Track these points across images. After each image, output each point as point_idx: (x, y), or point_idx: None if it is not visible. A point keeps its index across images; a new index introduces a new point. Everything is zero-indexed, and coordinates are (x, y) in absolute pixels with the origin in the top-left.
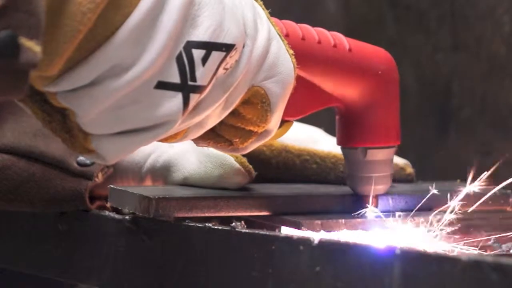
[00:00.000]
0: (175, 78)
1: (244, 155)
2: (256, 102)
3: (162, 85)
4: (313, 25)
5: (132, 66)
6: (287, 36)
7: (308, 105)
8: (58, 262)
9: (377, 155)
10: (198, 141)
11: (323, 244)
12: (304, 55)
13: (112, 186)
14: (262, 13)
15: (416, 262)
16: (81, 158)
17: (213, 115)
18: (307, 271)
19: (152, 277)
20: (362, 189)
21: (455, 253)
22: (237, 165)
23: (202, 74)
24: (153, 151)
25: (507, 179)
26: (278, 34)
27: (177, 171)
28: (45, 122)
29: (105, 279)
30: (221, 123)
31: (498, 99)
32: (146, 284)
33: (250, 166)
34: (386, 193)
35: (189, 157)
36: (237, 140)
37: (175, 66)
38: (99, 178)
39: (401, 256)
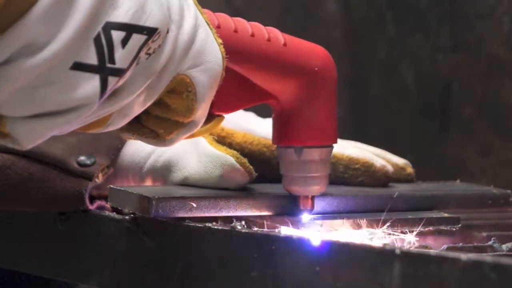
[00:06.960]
0: (93, 60)
1: (244, 156)
2: (181, 91)
3: (78, 66)
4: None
5: (47, 45)
6: (218, 27)
7: (240, 100)
8: (58, 262)
9: (313, 154)
10: (123, 132)
11: (323, 244)
12: (236, 47)
13: (112, 186)
14: None
15: (416, 262)
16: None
17: (136, 103)
18: (307, 271)
19: (152, 277)
20: (297, 190)
21: (455, 253)
22: (238, 166)
23: (121, 56)
24: (153, 151)
25: (507, 179)
26: (207, 22)
27: (177, 171)
28: None
29: (105, 279)
30: (147, 113)
31: (498, 99)
32: (146, 284)
33: (251, 167)
34: (324, 194)
35: (189, 157)
36: (162, 131)
37: (92, 47)
38: (99, 178)
39: (401, 256)
